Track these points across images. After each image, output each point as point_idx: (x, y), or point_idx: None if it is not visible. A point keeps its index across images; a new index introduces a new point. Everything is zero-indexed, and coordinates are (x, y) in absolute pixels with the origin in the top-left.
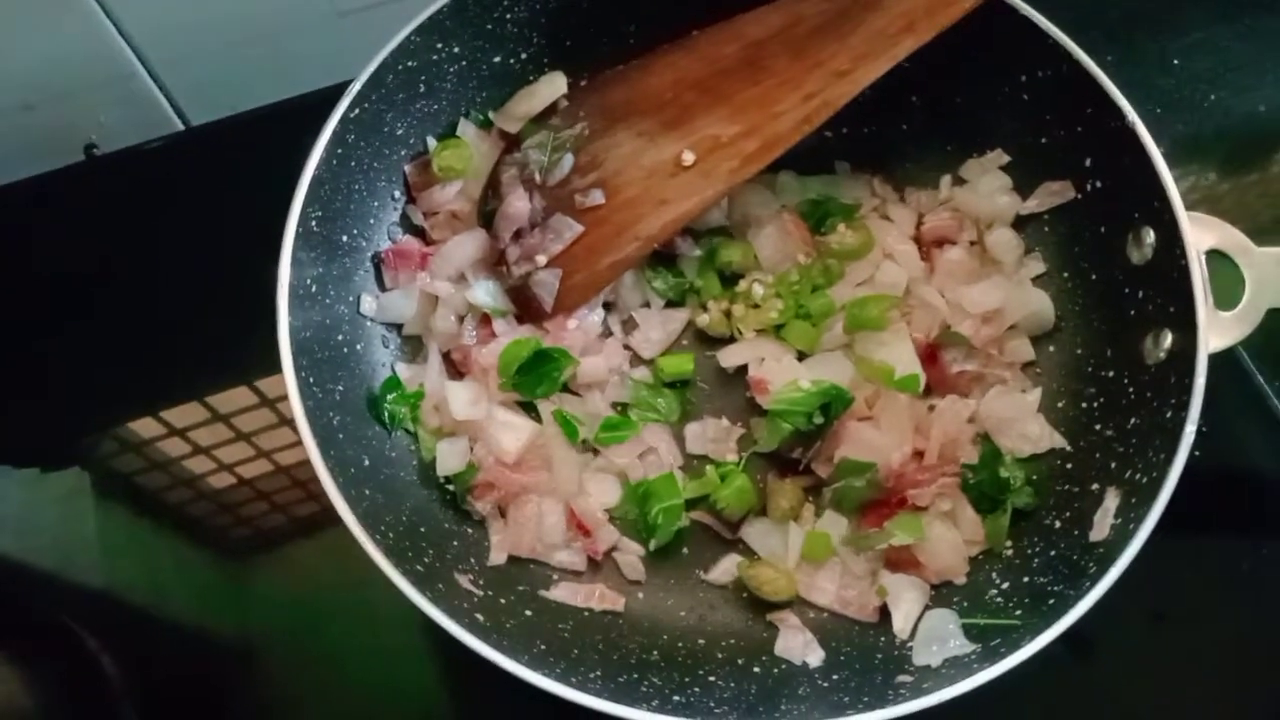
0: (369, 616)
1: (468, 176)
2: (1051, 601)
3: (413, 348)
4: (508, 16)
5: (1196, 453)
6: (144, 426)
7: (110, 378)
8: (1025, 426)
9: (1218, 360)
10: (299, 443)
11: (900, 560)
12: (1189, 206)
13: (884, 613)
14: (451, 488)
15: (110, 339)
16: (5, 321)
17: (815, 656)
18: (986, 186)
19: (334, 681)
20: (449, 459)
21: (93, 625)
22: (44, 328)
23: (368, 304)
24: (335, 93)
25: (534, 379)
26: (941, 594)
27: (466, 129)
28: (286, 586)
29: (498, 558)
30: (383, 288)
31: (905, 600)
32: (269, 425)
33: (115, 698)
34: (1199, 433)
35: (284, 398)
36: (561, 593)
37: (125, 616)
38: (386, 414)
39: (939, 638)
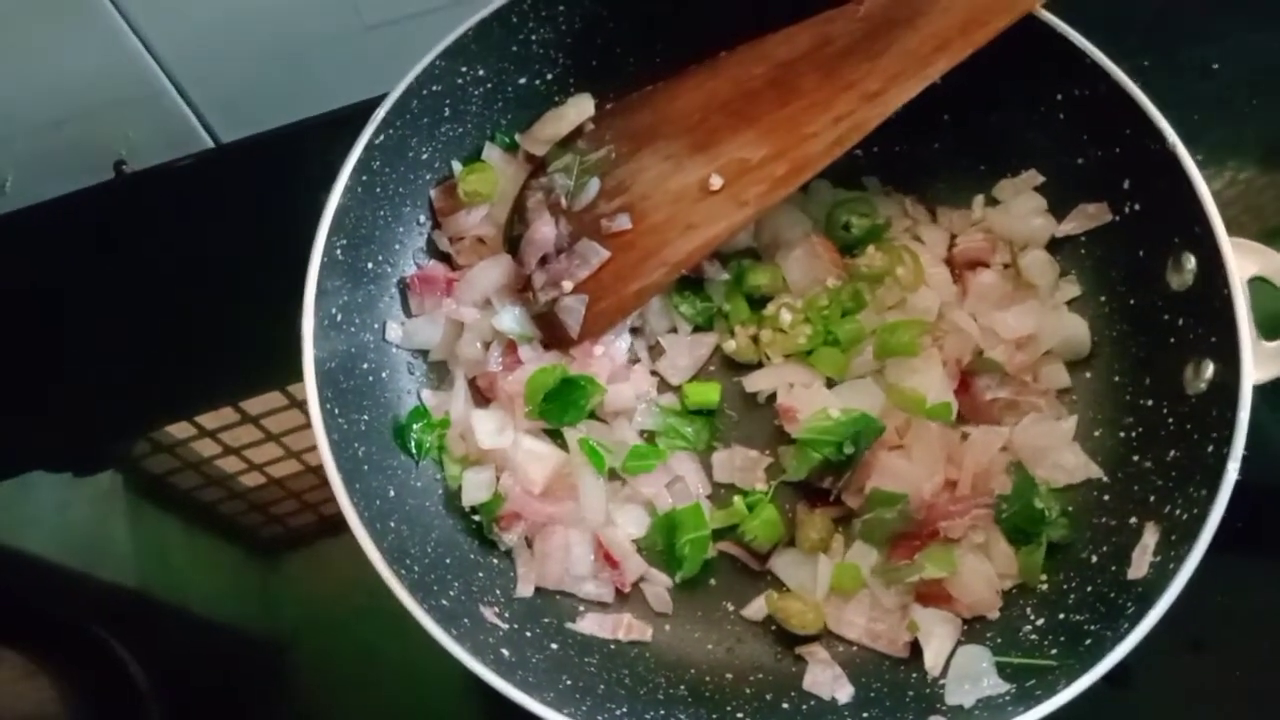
0: (398, 618)
1: (493, 201)
2: (1088, 641)
3: (438, 374)
4: (533, 38)
5: (1239, 477)
6: (176, 429)
7: (141, 384)
8: (1060, 456)
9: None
10: None
11: (931, 594)
12: (1226, 205)
13: (915, 648)
14: (478, 518)
15: (141, 347)
16: (39, 331)
17: (844, 692)
18: (1020, 208)
19: (363, 686)
20: (475, 489)
21: (123, 630)
22: (77, 337)
23: (393, 331)
24: (365, 107)
25: (560, 406)
26: (974, 629)
27: (492, 153)
28: (316, 588)
29: (524, 589)
30: (408, 314)
31: (936, 635)
32: (298, 426)
33: (144, 705)
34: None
35: None
36: (588, 624)
37: (155, 619)
38: (413, 443)
39: (971, 676)
